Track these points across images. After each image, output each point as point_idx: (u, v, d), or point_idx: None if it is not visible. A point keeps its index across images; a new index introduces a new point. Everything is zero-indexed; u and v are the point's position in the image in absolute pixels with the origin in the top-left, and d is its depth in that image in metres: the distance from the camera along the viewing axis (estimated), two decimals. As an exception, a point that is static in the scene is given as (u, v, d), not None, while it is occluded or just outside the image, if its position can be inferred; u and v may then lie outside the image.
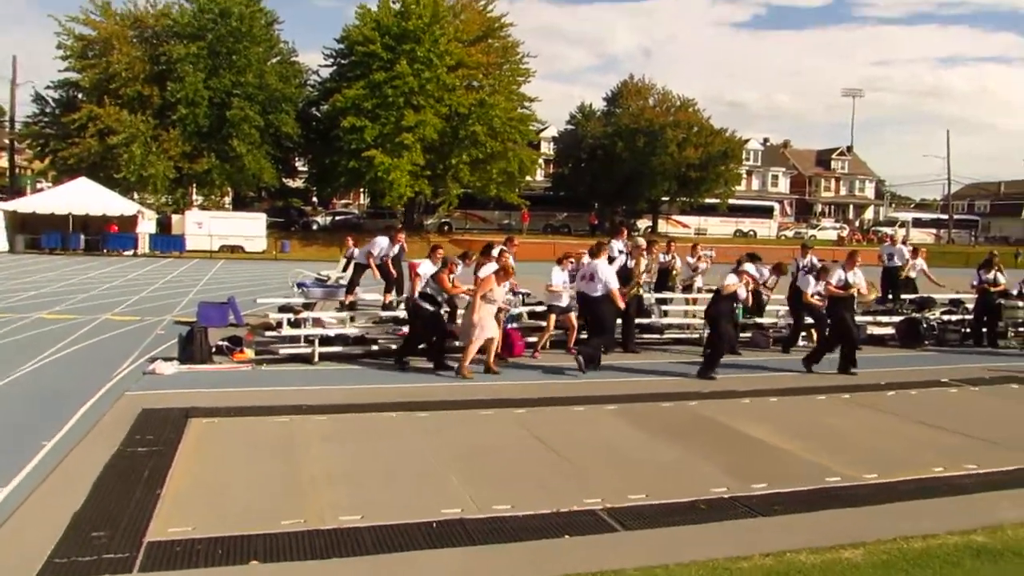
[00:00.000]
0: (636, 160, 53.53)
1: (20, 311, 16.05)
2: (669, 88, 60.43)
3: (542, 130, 63.60)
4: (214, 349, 11.27)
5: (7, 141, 51.97)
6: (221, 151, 43.27)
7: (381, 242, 13.37)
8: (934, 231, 71.91)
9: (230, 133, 42.62)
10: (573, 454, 7.27)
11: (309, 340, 11.22)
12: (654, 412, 9.00)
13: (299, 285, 12.85)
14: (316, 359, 11.12)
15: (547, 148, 68.84)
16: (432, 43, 44.23)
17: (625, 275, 13.03)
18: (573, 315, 12.63)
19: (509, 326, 12.50)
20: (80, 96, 44.21)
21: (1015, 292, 15.37)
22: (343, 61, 47.65)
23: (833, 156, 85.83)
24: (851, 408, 9.61)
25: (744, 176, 72.77)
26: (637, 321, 13.59)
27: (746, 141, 67.68)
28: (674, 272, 15.86)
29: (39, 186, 49.77)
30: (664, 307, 15.07)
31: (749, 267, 12.55)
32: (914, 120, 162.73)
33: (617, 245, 13.60)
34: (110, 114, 41.06)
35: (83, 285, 22.48)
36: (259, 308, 15.55)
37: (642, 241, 13.79)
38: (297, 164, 54.88)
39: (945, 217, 74.32)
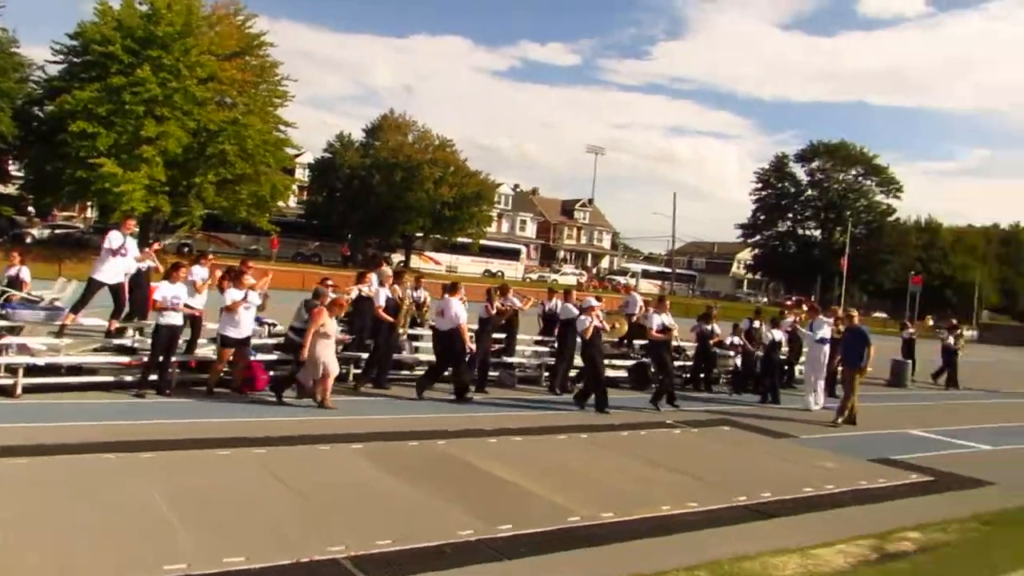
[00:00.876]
0: (392, 194, 53.72)
1: None
2: (429, 127, 61.55)
3: (298, 155, 61.99)
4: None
5: None
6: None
7: (113, 238, 11.64)
8: (660, 282, 79.36)
9: (-75, 127, 36.90)
10: (316, 497, 6.88)
11: (11, 370, 9.74)
12: (400, 451, 8.81)
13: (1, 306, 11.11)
14: (19, 392, 9.66)
15: (302, 174, 67.10)
16: (182, 52, 41.39)
17: (394, 307, 12.89)
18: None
19: (253, 357, 11.78)
20: None
21: (728, 342, 17.16)
22: (76, 59, 43.06)
23: (576, 206, 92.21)
24: (589, 448, 10.07)
25: (495, 218, 75.87)
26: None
27: (499, 185, 70.77)
28: (425, 308, 15.88)
29: None
30: (416, 343, 15.02)
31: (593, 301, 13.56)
32: (648, 181, 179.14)
33: (375, 278, 13.39)
34: None
35: None
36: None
37: (388, 270, 13.64)
38: (11, 168, 48.68)
39: (669, 270, 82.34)
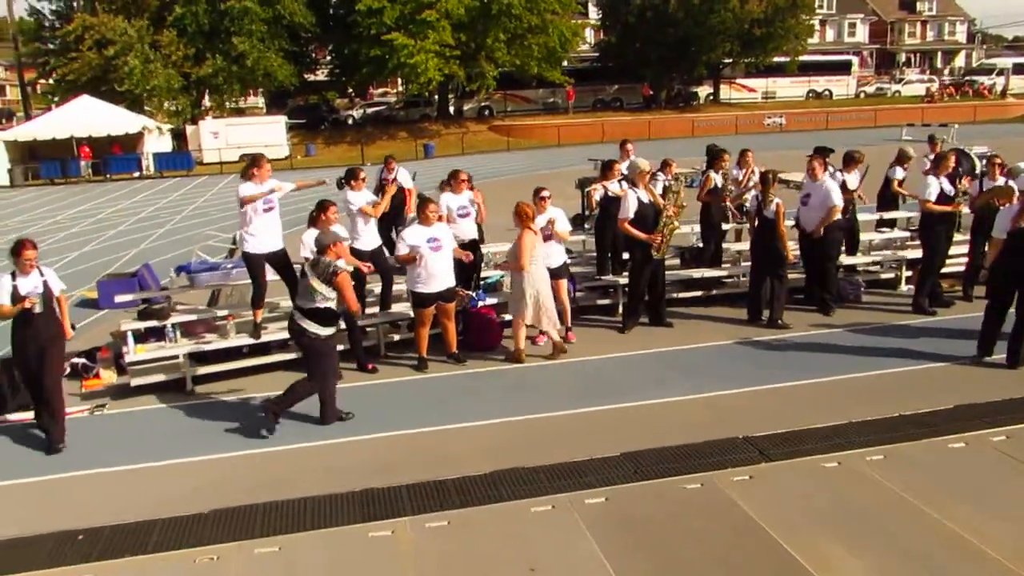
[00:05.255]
0: (692, 20, 47.22)
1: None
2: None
3: (586, -7, 57.59)
4: (67, 371, 8.02)
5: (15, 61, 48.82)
6: (226, 51, 39.47)
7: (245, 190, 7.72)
8: (1039, 78, 63.23)
9: (232, 30, 38.59)
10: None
11: (187, 356, 7.82)
12: (655, 506, 5.34)
13: (179, 270, 9.21)
14: (190, 386, 7.77)
15: (596, 14, 62.21)
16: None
17: (650, 216, 8.91)
18: (565, 284, 8.86)
19: (479, 303, 8.87)
20: (74, 4, 40.57)
21: None
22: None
23: (919, -4, 76.21)
24: (1009, 475, 5.78)
25: (817, 27, 65.02)
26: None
27: (819, -13, 60.01)
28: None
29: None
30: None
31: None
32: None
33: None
34: (103, 22, 37.47)
35: (42, 231, 19.48)
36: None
37: (643, 163, 9.37)
38: (321, 56, 50.80)
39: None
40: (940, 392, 7.01)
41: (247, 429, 6.84)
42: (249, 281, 8.21)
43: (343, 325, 7.71)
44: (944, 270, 10.45)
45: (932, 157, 11.01)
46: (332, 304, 6.55)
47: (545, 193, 8.69)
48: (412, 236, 7.71)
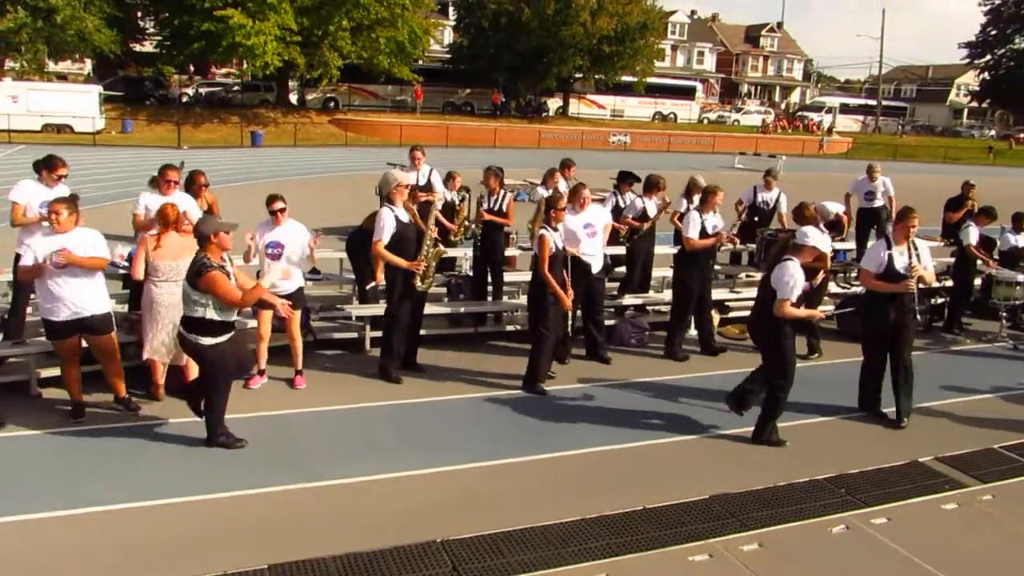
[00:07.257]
0: (544, 31, 46.85)
1: None
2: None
3: (443, -9, 56.24)
4: None
5: None
6: (34, 6, 35.26)
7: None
8: (861, 118, 67.78)
9: (41, -19, 34.57)
10: None
11: None
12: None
13: None
14: None
15: (454, 14, 60.94)
16: None
17: (412, 236, 7.56)
18: (299, 316, 7.28)
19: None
20: None
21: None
22: None
23: (763, 32, 80.00)
24: None
25: (669, 52, 66.78)
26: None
27: (670, 13, 61.68)
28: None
29: None
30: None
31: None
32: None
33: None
34: None
35: None
36: None
37: (399, 173, 7.80)
38: (147, 25, 46.76)
39: (873, 103, 70.01)
40: (698, 474, 6.03)
41: None
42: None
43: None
44: (732, 315, 9.86)
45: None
46: (213, 313, 5.56)
47: (280, 205, 7.10)
48: (38, 245, 5.84)
